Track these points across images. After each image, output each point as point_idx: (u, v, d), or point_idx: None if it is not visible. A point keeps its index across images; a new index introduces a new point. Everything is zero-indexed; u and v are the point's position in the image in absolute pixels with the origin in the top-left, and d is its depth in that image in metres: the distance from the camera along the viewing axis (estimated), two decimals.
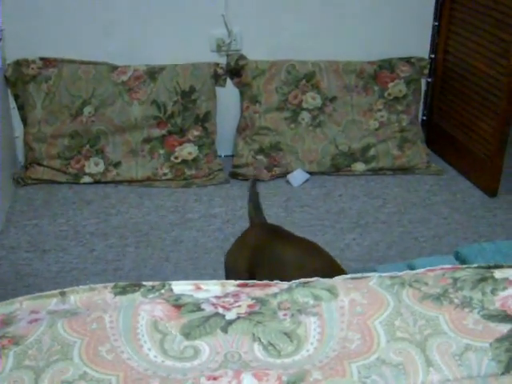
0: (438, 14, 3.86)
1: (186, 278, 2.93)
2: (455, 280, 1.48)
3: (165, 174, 3.67)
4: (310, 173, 3.74)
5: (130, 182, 3.65)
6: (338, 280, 1.50)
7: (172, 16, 3.65)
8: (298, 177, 3.69)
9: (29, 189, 3.58)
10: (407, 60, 3.89)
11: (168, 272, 2.98)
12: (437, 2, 3.85)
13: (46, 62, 3.62)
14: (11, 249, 3.09)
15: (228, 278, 2.45)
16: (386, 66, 3.85)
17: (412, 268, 2.19)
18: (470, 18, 3.63)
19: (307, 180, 3.71)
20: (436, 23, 3.88)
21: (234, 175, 3.75)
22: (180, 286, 1.48)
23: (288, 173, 3.72)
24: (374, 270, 2.28)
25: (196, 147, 3.72)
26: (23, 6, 3.52)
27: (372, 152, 3.81)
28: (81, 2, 3.57)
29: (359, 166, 3.81)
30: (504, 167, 3.62)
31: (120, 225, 3.30)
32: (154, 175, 3.66)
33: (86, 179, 3.64)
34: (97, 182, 3.64)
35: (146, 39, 3.69)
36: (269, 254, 2.22)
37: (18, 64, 3.60)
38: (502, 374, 1.25)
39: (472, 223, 3.40)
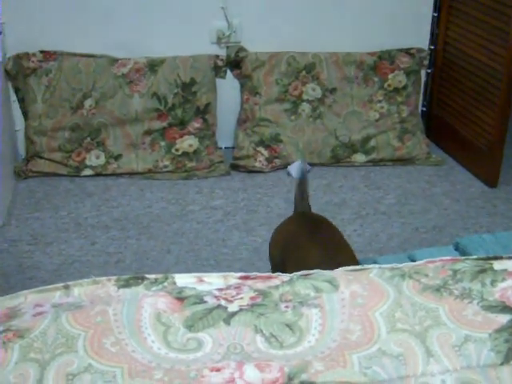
0: (438, 5, 3.87)
1: (187, 269, 2.96)
2: (455, 272, 1.49)
3: (166, 166, 3.68)
4: (311, 164, 3.76)
5: (131, 174, 3.66)
6: (338, 272, 1.51)
7: (172, 8, 3.66)
8: (298, 168, 3.70)
9: (30, 182, 3.59)
10: (407, 51, 3.89)
11: (169, 264, 2.99)
12: None
13: (47, 55, 3.62)
14: (13, 242, 3.11)
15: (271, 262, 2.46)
16: (386, 57, 3.85)
17: (412, 259, 2.21)
18: (469, 8, 3.64)
19: (308, 171, 3.72)
20: (435, 14, 3.89)
21: (235, 167, 3.76)
22: (183, 279, 1.49)
23: (288, 164, 3.74)
24: (375, 261, 2.30)
25: (197, 139, 3.72)
26: (23, 0, 3.52)
27: (372, 143, 3.82)
28: None
29: (359, 157, 3.82)
30: (504, 158, 3.63)
31: (121, 217, 3.31)
32: (154, 167, 3.68)
33: (87, 172, 3.65)
34: (98, 175, 3.65)
35: (146, 32, 3.69)
36: (295, 250, 2.23)
37: (19, 57, 3.60)
38: (501, 364, 1.26)
39: (472, 214, 3.41)
